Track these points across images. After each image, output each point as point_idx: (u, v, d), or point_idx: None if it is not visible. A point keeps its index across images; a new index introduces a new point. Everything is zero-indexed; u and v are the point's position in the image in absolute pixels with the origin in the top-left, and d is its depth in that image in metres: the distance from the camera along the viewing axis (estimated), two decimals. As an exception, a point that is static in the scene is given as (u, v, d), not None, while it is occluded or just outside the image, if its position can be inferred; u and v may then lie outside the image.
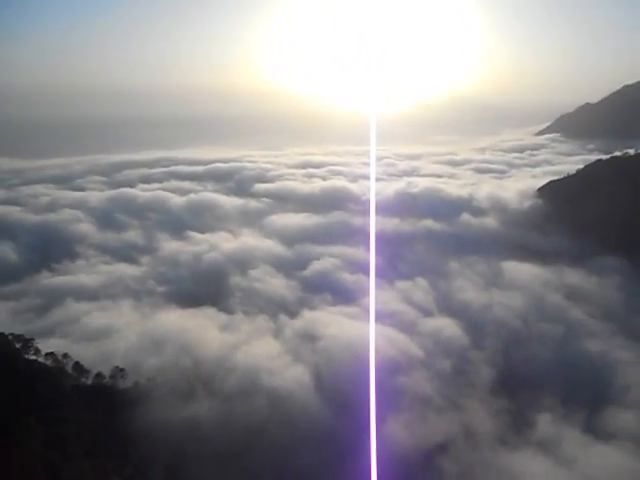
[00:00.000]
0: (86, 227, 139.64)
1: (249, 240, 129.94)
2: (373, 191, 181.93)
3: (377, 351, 70.23)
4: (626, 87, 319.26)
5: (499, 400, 64.99)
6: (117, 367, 60.12)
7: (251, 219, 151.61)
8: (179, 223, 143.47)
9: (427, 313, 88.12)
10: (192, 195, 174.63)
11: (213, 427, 55.24)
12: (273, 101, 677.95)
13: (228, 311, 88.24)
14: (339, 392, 60.23)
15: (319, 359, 70.48)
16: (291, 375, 65.43)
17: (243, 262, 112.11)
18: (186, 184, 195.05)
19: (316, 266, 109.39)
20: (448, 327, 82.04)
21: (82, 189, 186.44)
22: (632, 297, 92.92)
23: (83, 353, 63.98)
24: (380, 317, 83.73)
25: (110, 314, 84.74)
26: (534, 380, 68.54)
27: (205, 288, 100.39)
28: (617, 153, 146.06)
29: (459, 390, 66.73)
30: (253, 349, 72.09)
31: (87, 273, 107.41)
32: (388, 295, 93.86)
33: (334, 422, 56.54)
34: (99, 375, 58.51)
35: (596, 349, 76.97)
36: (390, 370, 66.52)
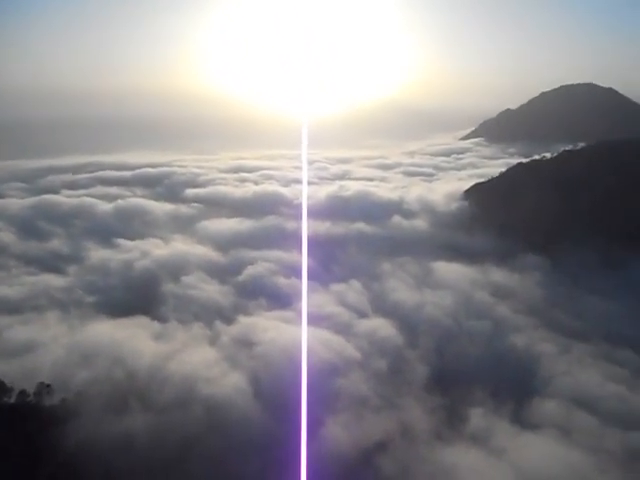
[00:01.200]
0: (6, 236, 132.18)
1: (181, 246, 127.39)
2: (305, 195, 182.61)
3: (314, 354, 71.02)
4: (543, 94, 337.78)
5: (434, 397, 66.85)
6: (42, 383, 57.19)
7: (182, 225, 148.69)
8: (107, 230, 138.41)
9: (362, 314, 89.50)
10: (120, 201, 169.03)
11: (148, 441, 53.45)
12: (206, 104, 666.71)
13: (162, 319, 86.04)
14: (277, 397, 59.97)
15: (256, 365, 69.98)
16: (229, 382, 64.56)
17: (176, 269, 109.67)
18: (113, 190, 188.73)
19: (250, 271, 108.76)
20: (383, 327, 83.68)
21: (0, 196, 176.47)
22: (552, 293, 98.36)
23: (5, 370, 60.52)
24: (316, 320, 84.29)
25: (35, 327, 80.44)
26: (466, 375, 71.12)
27: (137, 297, 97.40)
28: (536, 156, 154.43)
29: (395, 389, 68.09)
30: (189, 357, 70.55)
31: (9, 285, 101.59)
32: (323, 298, 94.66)
33: (273, 428, 56.27)
34: (23, 393, 55.47)
35: (521, 343, 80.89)
36: (328, 372, 67.06)
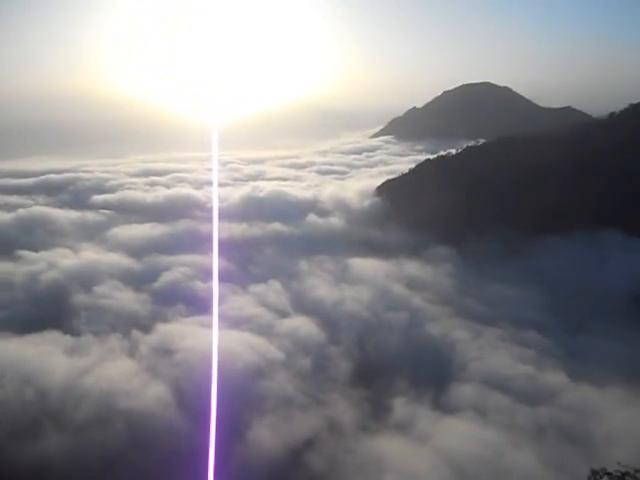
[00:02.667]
0: None
1: (91, 255, 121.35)
2: (216, 196, 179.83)
3: (237, 357, 70.52)
4: (445, 93, 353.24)
5: (358, 390, 68.55)
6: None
7: (91, 232, 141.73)
8: (8, 242, 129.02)
9: (283, 314, 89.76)
10: (21, 210, 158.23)
11: (66, 463, 50.91)
12: (111, 107, 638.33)
13: (74, 333, 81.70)
14: (201, 405, 58.78)
15: (178, 373, 68.40)
16: (150, 394, 62.65)
17: (87, 279, 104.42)
18: (14, 198, 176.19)
19: (166, 277, 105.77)
20: (304, 326, 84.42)
21: None
22: (462, 282, 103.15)
23: None
24: (237, 323, 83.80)
25: None
26: (387, 367, 73.52)
27: (46, 311, 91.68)
28: (442, 153, 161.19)
29: (320, 386, 69.10)
30: (106, 371, 67.70)
31: None
32: (243, 300, 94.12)
33: (199, 436, 55.18)
34: None
35: (437, 331, 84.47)
36: (252, 375, 66.99)
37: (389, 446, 56.20)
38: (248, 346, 74.24)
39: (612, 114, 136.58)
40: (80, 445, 53.30)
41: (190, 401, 61.55)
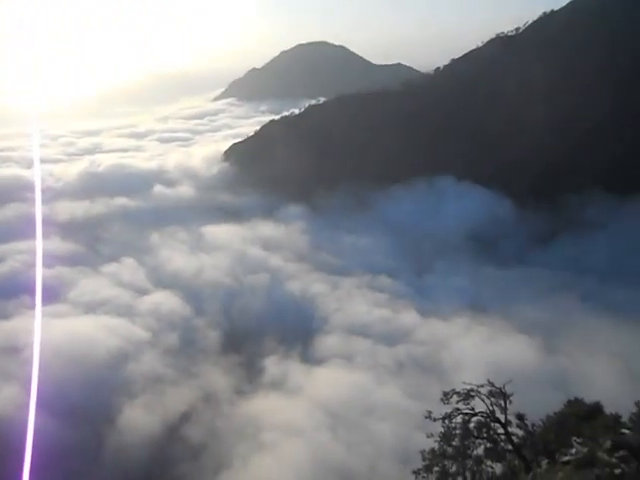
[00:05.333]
0: None
1: None
2: (38, 172, 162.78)
3: (97, 344, 67.06)
4: (283, 53, 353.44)
5: (230, 357, 69.22)
6: None
7: None
8: None
9: (142, 291, 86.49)
10: None
11: None
12: None
13: None
14: (65, 400, 55.58)
15: (29, 371, 63.28)
16: (4, 397, 57.50)
17: None
18: None
19: (3, 268, 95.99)
20: (166, 300, 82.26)
21: None
22: (316, 238, 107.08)
23: None
24: (92, 307, 79.35)
25: None
26: (255, 329, 74.90)
27: None
28: (285, 113, 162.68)
29: (191, 359, 68.60)
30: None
31: None
32: (96, 282, 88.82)
33: (68, 433, 52.41)
34: None
35: (297, 288, 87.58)
36: (117, 359, 64.32)
37: (265, 405, 58.02)
38: (109, 330, 70.75)
39: (437, 69, 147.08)
40: None
41: (50, 398, 57.58)
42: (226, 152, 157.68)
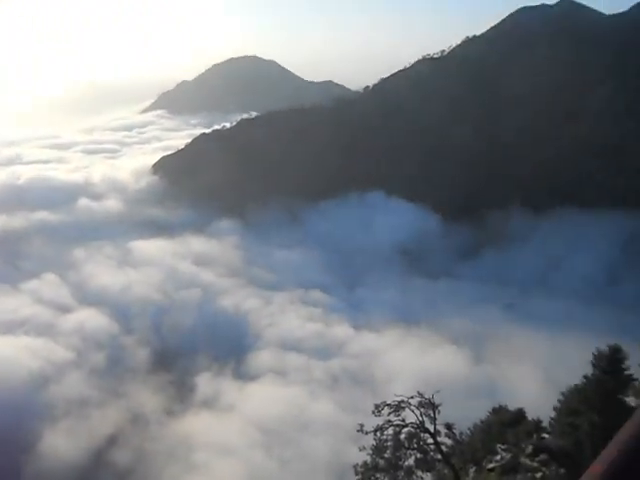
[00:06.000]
0: None
1: None
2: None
3: (16, 365, 63.20)
4: (215, 66, 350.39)
5: (159, 376, 67.14)
6: None
7: None
8: None
9: (65, 309, 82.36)
10: None
11: None
12: None
13: None
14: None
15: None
16: None
17: None
18: None
19: None
20: (91, 318, 78.73)
21: None
22: (248, 252, 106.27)
23: None
24: (11, 327, 74.79)
25: None
26: (187, 346, 73.14)
27: None
28: (217, 126, 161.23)
29: (119, 379, 65.93)
30: None
31: None
32: (15, 300, 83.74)
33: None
34: None
35: (230, 304, 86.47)
36: (37, 382, 60.80)
37: (197, 424, 56.62)
38: (29, 351, 66.76)
39: (367, 87, 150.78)
40: None
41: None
42: (155, 165, 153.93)
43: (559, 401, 14.58)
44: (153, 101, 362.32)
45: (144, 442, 54.99)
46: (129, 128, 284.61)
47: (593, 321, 65.58)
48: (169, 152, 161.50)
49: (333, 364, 67.45)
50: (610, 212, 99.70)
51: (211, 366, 67.96)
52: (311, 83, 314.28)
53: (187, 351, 71.69)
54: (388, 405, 12.92)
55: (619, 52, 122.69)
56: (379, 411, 12.93)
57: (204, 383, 64.53)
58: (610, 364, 12.72)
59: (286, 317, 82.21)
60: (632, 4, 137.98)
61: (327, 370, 65.99)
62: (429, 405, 12.80)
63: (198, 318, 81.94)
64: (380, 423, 12.64)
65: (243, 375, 66.19)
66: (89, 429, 55.67)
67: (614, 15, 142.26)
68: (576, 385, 13.93)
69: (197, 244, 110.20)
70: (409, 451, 12.65)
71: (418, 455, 12.63)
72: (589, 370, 13.40)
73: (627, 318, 66.41)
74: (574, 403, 13.45)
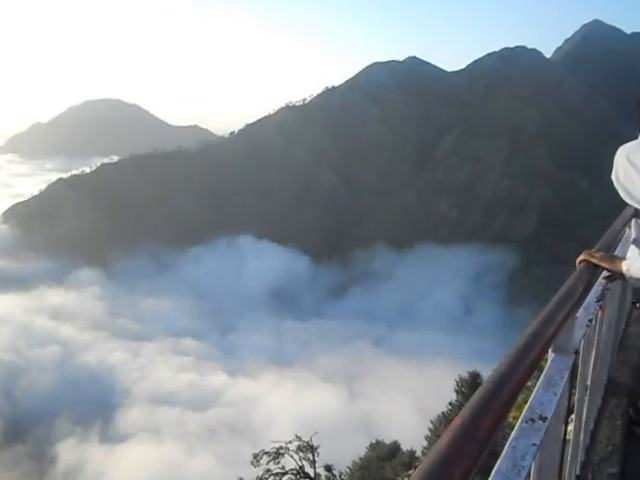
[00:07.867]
0: None
1: None
2: None
3: None
4: (71, 109, 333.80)
5: (13, 449, 59.86)
6: None
7: None
8: None
9: None
10: None
11: None
12: None
13: None
14: None
15: None
16: None
17: None
18: None
19: None
20: None
21: None
22: (112, 303, 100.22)
23: None
24: None
25: None
26: (45, 411, 66.07)
27: None
28: (75, 171, 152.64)
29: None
30: None
31: None
32: None
33: None
34: None
35: (93, 359, 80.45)
36: None
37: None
38: None
39: (232, 133, 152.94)
40: None
41: None
42: (5, 213, 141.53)
43: (430, 430, 15.35)
44: (2, 144, 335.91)
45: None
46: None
47: (455, 349, 70.28)
48: (21, 199, 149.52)
49: (209, 415, 64.90)
50: (463, 247, 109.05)
51: (74, 431, 62.05)
52: (176, 127, 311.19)
53: (45, 416, 64.74)
54: (267, 453, 12.73)
55: (461, 103, 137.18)
56: (258, 461, 12.69)
57: (66, 451, 58.48)
58: (471, 389, 13.71)
59: (156, 369, 78.16)
60: (468, 62, 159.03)
61: (203, 422, 63.25)
62: (308, 448, 12.82)
63: (57, 377, 75.03)
64: (259, 474, 12.36)
65: (111, 437, 61.15)
66: None
67: (454, 72, 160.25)
68: (443, 413, 14.79)
69: (54, 297, 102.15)
70: (291, 499, 12.49)
71: (300, 501, 12.51)
72: (454, 396, 14.31)
73: (483, 344, 71.86)
74: (441, 431, 14.22)
